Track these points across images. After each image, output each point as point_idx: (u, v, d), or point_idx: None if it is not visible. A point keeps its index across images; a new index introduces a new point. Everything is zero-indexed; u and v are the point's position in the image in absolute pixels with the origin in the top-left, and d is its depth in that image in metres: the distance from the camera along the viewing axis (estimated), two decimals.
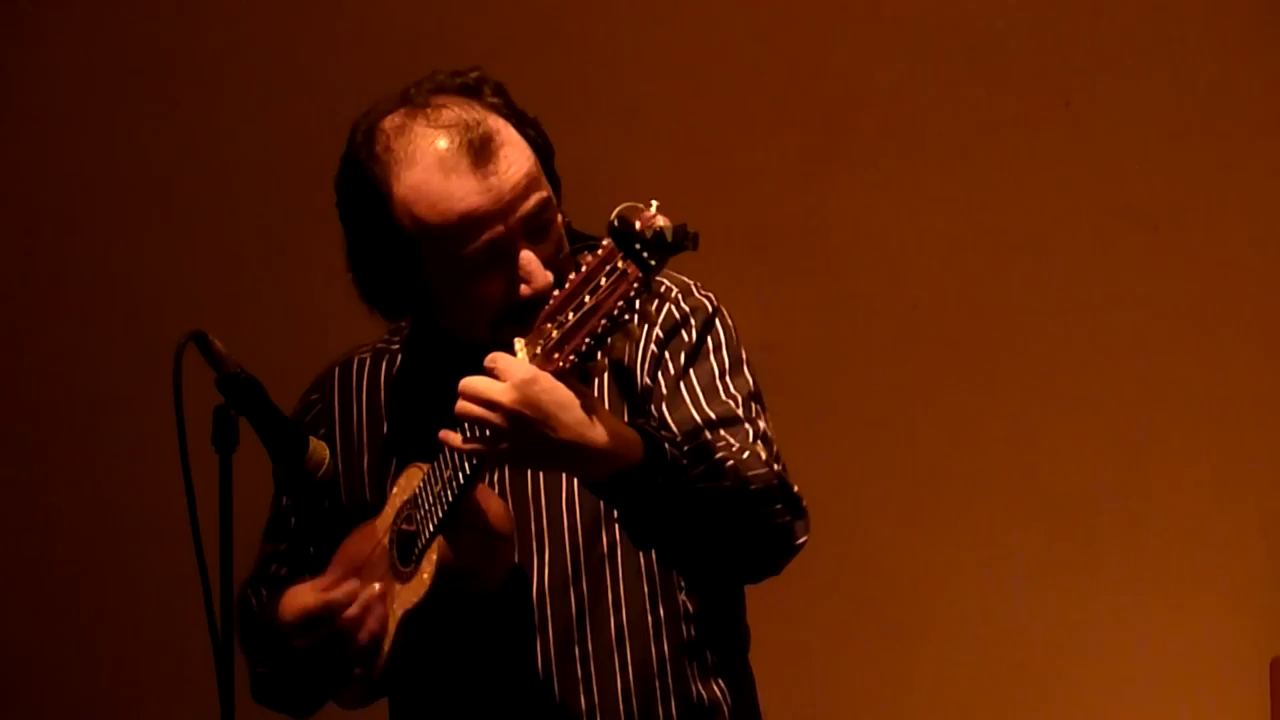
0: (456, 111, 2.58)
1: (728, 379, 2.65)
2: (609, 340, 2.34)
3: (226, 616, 2.50)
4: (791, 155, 4.50)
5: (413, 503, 2.60)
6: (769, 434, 2.64)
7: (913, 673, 4.45)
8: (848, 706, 4.42)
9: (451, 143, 2.56)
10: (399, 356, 2.79)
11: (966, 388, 4.46)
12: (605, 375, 2.63)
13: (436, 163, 2.56)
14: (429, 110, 2.59)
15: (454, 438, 2.45)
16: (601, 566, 2.65)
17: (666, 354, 2.66)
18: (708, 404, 2.63)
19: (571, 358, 2.35)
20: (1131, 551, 4.38)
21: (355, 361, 2.82)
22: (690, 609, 2.67)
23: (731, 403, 2.63)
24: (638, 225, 2.28)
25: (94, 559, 4.69)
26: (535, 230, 2.59)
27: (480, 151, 2.56)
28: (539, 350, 2.37)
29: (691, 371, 2.65)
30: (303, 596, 2.66)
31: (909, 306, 4.49)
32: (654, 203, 2.31)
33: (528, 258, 2.58)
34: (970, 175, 4.46)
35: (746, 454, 2.56)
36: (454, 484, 2.51)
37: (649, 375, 2.65)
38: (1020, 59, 4.44)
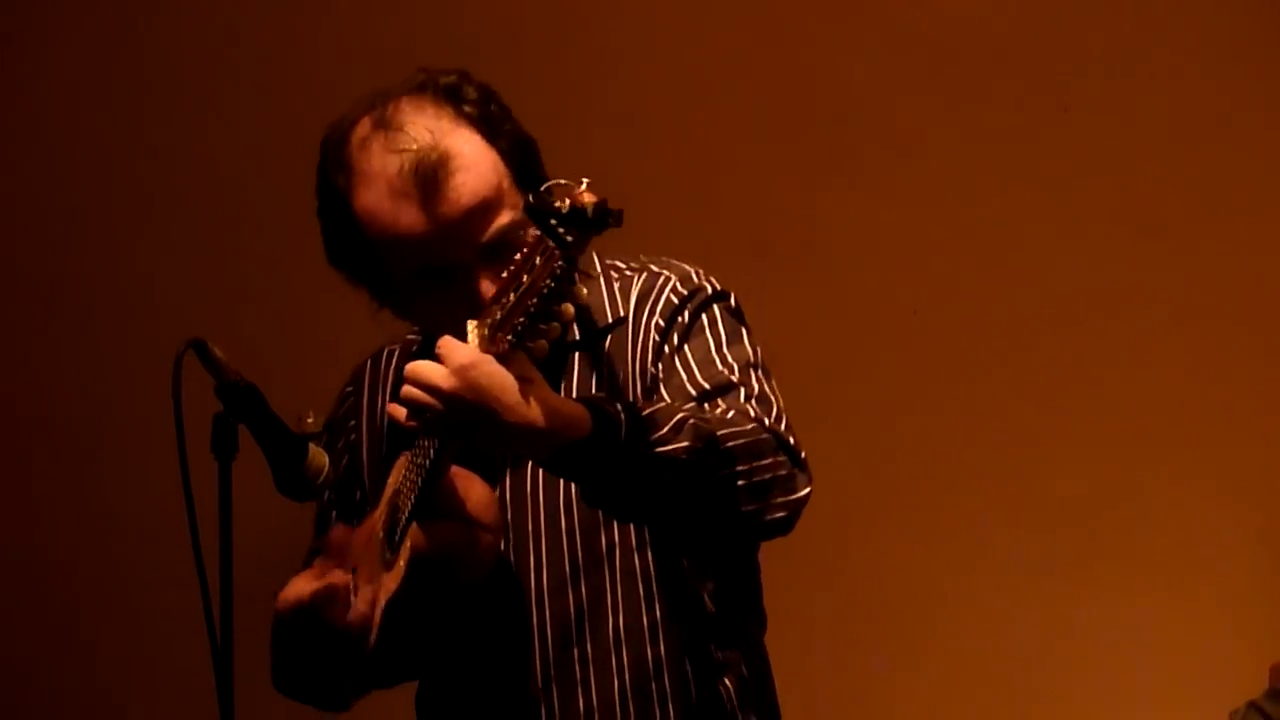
0: (417, 131, 2.60)
1: (724, 350, 2.66)
2: (544, 319, 2.34)
3: (226, 623, 2.50)
4: (790, 161, 4.50)
5: (398, 491, 2.61)
6: (768, 394, 2.63)
7: (910, 677, 4.45)
8: (847, 709, 4.42)
9: (404, 168, 2.58)
10: (415, 348, 2.83)
11: (966, 392, 4.46)
12: (599, 368, 2.65)
13: (387, 188, 2.59)
14: (389, 130, 2.61)
15: (399, 411, 2.45)
16: (600, 568, 2.65)
17: (665, 339, 2.67)
18: (702, 375, 2.63)
19: (509, 338, 2.36)
20: (1131, 556, 4.38)
21: (385, 354, 2.88)
22: (698, 604, 2.67)
23: (726, 370, 2.63)
24: (555, 202, 2.27)
25: (93, 565, 4.69)
26: (494, 251, 2.59)
27: (430, 180, 2.57)
28: (486, 331, 2.38)
29: (686, 347, 2.66)
30: (299, 585, 2.66)
31: (908, 311, 4.49)
32: (584, 180, 2.30)
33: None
34: (969, 180, 4.46)
35: (731, 414, 2.55)
36: (423, 469, 2.52)
37: (653, 364, 2.66)
38: (1018, 65, 4.44)
